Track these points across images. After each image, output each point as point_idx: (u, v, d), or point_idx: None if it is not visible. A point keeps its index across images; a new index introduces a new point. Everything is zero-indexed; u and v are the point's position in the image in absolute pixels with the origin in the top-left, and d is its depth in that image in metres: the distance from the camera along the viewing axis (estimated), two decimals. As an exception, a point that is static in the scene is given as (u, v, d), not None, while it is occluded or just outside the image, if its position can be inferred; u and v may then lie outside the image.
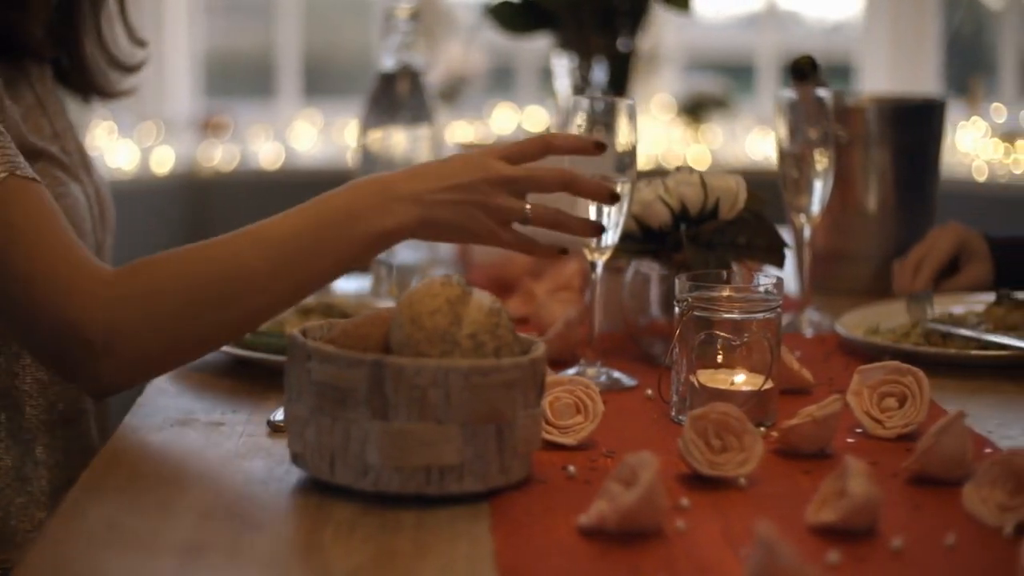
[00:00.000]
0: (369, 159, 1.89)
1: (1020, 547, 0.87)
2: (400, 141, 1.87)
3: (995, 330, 1.52)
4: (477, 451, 1.01)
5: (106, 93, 1.59)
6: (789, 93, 1.68)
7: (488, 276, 1.87)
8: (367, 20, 4.28)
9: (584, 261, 1.37)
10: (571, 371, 1.36)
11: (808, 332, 1.60)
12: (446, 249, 1.92)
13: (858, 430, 1.21)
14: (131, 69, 1.60)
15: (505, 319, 1.05)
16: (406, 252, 1.86)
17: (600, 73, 2.08)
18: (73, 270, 1.17)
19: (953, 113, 3.83)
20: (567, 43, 2.06)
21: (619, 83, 2.07)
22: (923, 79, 4.05)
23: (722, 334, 1.21)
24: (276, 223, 1.22)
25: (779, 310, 1.22)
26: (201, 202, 3.67)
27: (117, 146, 3.67)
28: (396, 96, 1.87)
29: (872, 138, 1.82)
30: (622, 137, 1.32)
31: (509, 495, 1.03)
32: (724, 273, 1.24)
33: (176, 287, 1.18)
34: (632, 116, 1.32)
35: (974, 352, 1.42)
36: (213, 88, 4.12)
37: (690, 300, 1.21)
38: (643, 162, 3.69)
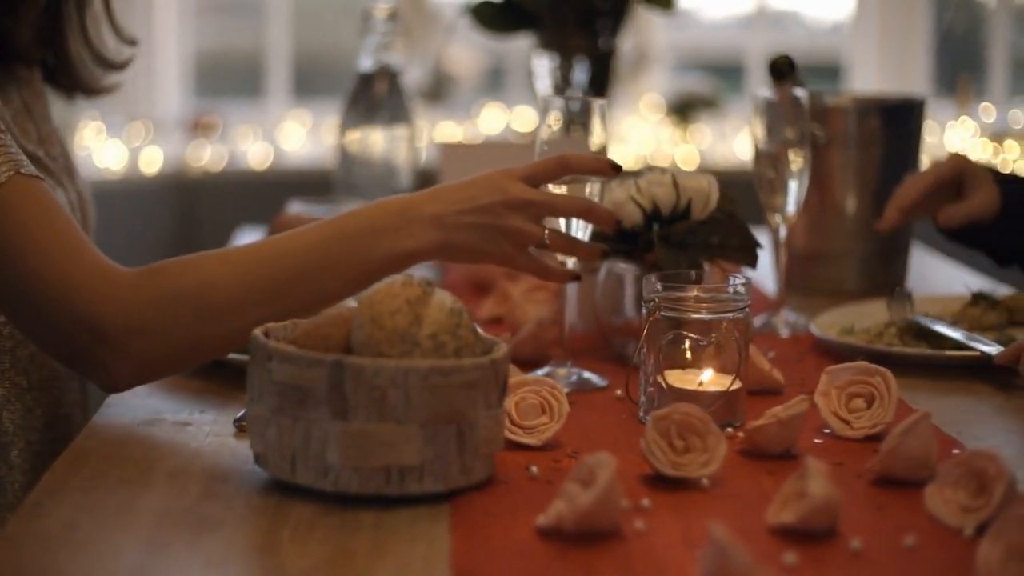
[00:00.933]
0: (347, 159, 1.89)
1: (977, 548, 0.87)
2: (378, 141, 1.87)
3: (971, 330, 1.52)
4: (437, 452, 1.01)
5: (91, 90, 1.59)
6: (766, 93, 1.68)
7: (466, 276, 1.87)
8: (357, 21, 4.26)
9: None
10: (541, 371, 1.36)
11: (784, 332, 1.60)
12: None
13: (826, 431, 1.20)
14: (118, 66, 1.60)
15: (466, 319, 1.04)
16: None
17: (581, 73, 2.08)
18: (88, 267, 1.19)
19: (942, 113, 3.84)
20: (548, 43, 2.06)
21: (600, 83, 2.07)
22: (913, 79, 4.05)
23: (689, 334, 1.20)
24: (296, 235, 1.23)
25: (747, 310, 1.22)
26: (189, 202, 3.67)
27: (105, 146, 3.67)
28: (374, 96, 1.87)
29: (851, 138, 1.81)
30: (595, 137, 1.32)
31: (470, 496, 1.02)
32: (693, 273, 1.24)
33: (193, 291, 1.19)
34: (603, 116, 1.32)
35: (946, 352, 1.42)
36: (203, 88, 4.11)
37: (657, 300, 1.21)
38: (632, 162, 3.70)
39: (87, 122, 3.65)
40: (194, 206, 3.66)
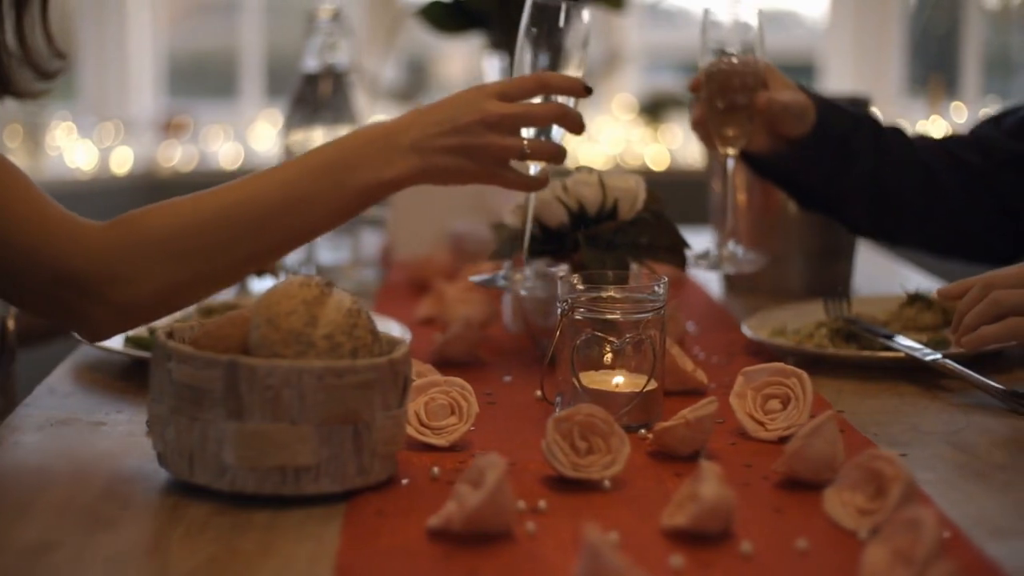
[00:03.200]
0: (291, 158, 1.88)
1: (863, 551, 0.86)
2: (321, 141, 1.86)
3: (905, 331, 1.52)
4: (333, 452, 1.00)
5: (18, 93, 1.58)
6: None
7: (408, 276, 1.86)
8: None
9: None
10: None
11: (729, 269, 1.58)
12: (369, 249, 1.91)
13: (741, 432, 1.20)
14: (49, 75, 1.59)
15: (364, 320, 1.04)
16: (327, 253, 1.86)
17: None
18: (58, 223, 1.19)
19: (915, 111, 3.83)
20: (498, 43, 2.05)
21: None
22: (887, 78, 4.04)
23: (602, 335, 1.20)
24: (269, 173, 1.24)
25: (663, 311, 1.21)
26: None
27: (76, 146, 3.66)
28: (319, 97, 1.86)
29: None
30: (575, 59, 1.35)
31: (367, 496, 1.02)
32: (610, 274, 1.23)
33: (166, 235, 1.20)
34: (585, 33, 1.34)
35: (872, 354, 1.41)
36: (176, 89, 4.10)
37: (570, 301, 1.20)
38: (603, 161, 3.69)
39: (58, 122, 3.65)
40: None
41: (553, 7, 1.32)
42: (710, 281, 1.95)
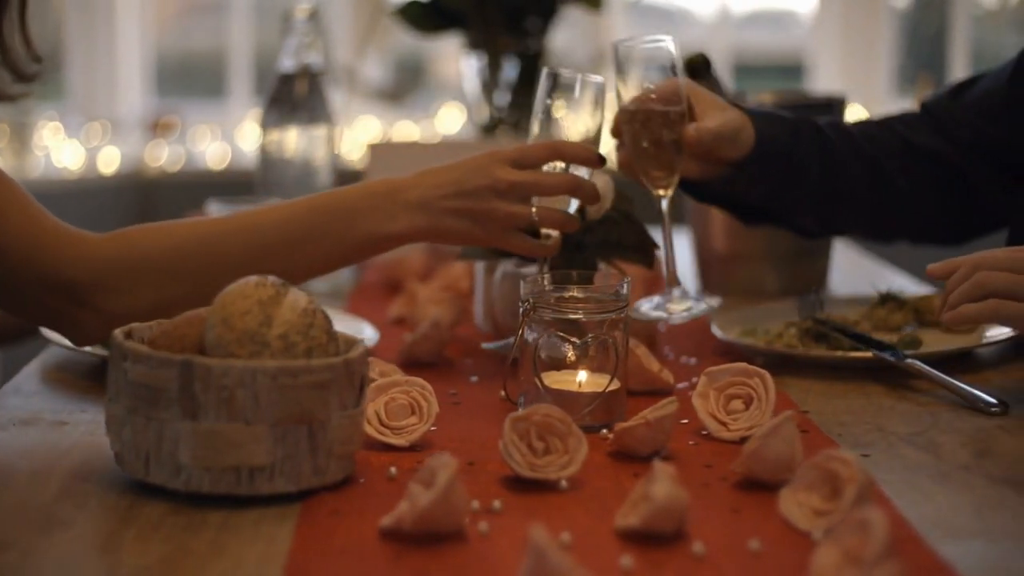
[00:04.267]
0: (267, 160, 1.88)
1: (814, 553, 0.86)
2: (297, 141, 1.86)
3: (876, 331, 1.52)
4: (288, 452, 1.00)
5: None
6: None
7: (382, 276, 1.86)
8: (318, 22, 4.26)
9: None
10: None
11: (678, 319, 1.47)
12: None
13: (703, 432, 1.19)
14: (27, 78, 1.59)
15: (320, 320, 1.03)
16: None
17: (510, 73, 2.07)
18: (53, 232, 1.22)
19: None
20: (476, 43, 2.06)
21: (528, 83, 2.06)
22: (876, 77, 4.04)
23: (564, 335, 1.19)
24: (272, 209, 1.26)
25: (625, 311, 1.21)
26: (146, 202, 3.66)
27: (64, 146, 3.66)
28: (294, 97, 1.86)
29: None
30: (588, 119, 1.35)
31: (322, 496, 1.02)
32: (574, 273, 1.23)
33: (161, 256, 1.23)
34: (600, 98, 1.34)
35: (841, 354, 1.41)
36: (164, 89, 4.10)
37: (531, 301, 1.20)
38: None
39: (45, 122, 3.65)
40: (151, 206, 3.65)
41: (568, 79, 1.32)
42: (685, 280, 1.94)
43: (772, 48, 4.44)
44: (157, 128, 3.82)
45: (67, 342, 1.38)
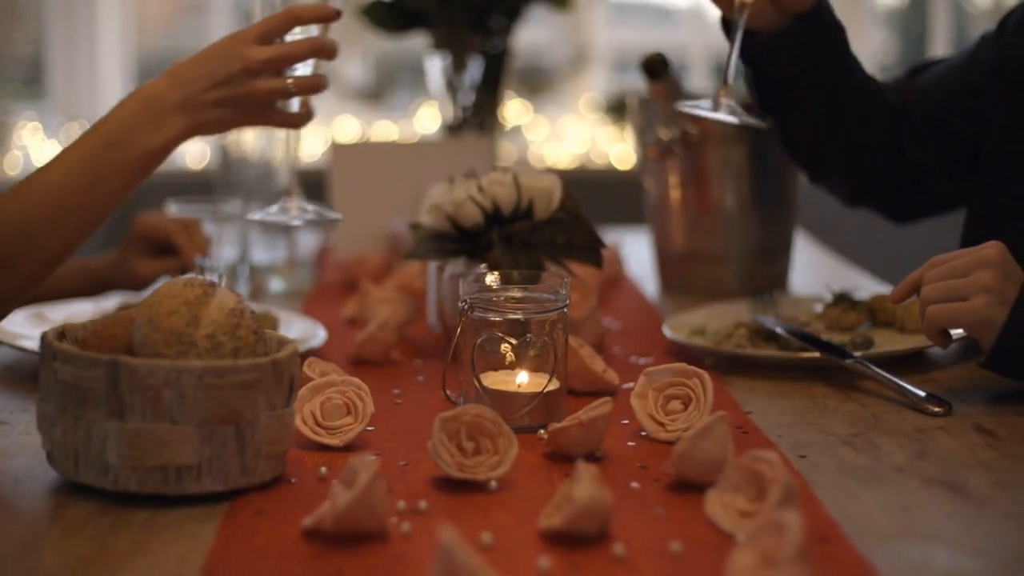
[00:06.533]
0: (226, 159, 1.88)
1: (730, 554, 0.86)
2: (257, 141, 1.86)
3: (830, 331, 1.52)
4: (215, 452, 1.00)
5: None
6: (642, 92, 1.68)
7: (341, 276, 1.86)
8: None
9: None
10: None
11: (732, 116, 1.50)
12: (305, 249, 1.90)
13: (643, 433, 1.19)
14: None
15: (248, 320, 1.03)
16: (262, 253, 1.85)
17: (475, 72, 2.07)
18: None
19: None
20: (440, 42, 2.05)
21: (493, 82, 2.06)
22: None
23: (503, 335, 1.19)
24: (49, 167, 1.25)
25: (565, 311, 1.21)
26: (131, 204, 3.65)
27: (42, 146, 3.66)
28: (254, 95, 1.85)
29: (729, 136, 1.79)
30: None
31: (250, 496, 1.02)
32: (514, 273, 1.23)
33: None
34: None
35: (787, 354, 1.41)
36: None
37: (469, 301, 1.20)
38: (568, 161, 3.70)
39: (25, 122, 3.64)
40: (128, 205, 3.64)
41: None
42: (646, 280, 1.95)
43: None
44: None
45: (14, 341, 1.38)
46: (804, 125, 1.63)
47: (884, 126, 1.63)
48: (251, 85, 1.28)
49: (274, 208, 1.38)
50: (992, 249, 1.26)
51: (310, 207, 1.38)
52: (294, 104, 1.35)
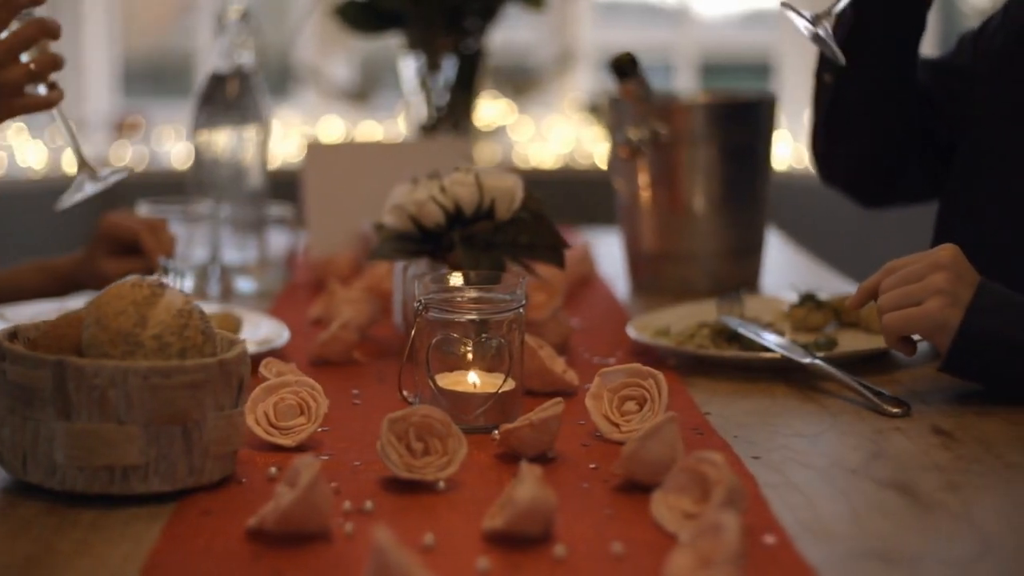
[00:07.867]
0: (198, 160, 1.88)
1: (669, 555, 0.86)
2: (228, 141, 1.86)
3: (795, 331, 1.52)
4: (162, 452, 1.00)
5: None
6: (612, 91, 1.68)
7: (311, 277, 1.87)
8: (286, 22, 4.26)
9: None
10: None
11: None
12: (276, 250, 1.91)
13: (597, 434, 1.19)
14: None
15: (196, 320, 1.03)
16: (233, 253, 1.85)
17: (449, 72, 2.07)
18: None
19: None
20: (415, 43, 2.06)
21: (466, 83, 2.06)
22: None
23: (457, 336, 1.19)
24: None
25: (521, 311, 1.21)
26: (110, 203, 3.65)
27: (27, 146, 3.66)
28: (226, 97, 1.86)
29: (699, 136, 1.79)
30: None
31: (198, 496, 1.02)
32: (472, 274, 1.23)
33: None
34: None
35: (748, 354, 1.41)
36: (132, 89, 4.10)
37: (424, 301, 1.20)
38: (552, 161, 3.70)
39: (9, 122, 3.64)
40: (113, 207, 3.64)
41: None
42: (617, 279, 1.95)
43: (741, 47, 4.44)
44: (122, 128, 3.82)
45: None
46: (864, 81, 1.63)
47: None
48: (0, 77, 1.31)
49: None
50: (946, 251, 1.26)
51: (104, 171, 1.44)
52: (40, 88, 1.38)
